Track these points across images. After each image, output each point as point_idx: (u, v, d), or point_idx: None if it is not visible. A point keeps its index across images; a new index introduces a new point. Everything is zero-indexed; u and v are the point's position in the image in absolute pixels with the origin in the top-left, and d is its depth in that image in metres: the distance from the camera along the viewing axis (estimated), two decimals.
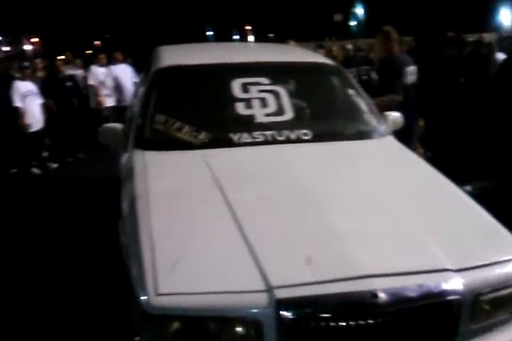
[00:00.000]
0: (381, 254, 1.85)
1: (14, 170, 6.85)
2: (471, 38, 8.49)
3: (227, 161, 2.67)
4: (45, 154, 7.29)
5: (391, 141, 3.02)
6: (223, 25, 30.89)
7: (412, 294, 1.70)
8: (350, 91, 3.25)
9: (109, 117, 8.15)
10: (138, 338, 1.77)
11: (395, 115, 3.30)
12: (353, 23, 31.20)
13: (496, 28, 18.78)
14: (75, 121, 7.42)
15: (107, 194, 5.45)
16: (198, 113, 3.04)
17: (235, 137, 2.81)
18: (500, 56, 6.54)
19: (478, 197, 2.39)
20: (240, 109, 2.95)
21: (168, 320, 1.71)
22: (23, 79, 6.63)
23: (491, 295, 1.82)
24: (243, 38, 25.97)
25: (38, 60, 7.73)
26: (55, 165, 7.17)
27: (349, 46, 8.50)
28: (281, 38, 12.56)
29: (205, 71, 3.20)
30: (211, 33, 35.08)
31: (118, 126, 3.23)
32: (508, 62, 4.59)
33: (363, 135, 3.01)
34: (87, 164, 7.33)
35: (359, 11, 30.60)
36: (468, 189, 3.47)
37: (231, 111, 2.97)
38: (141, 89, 3.43)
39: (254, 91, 3.01)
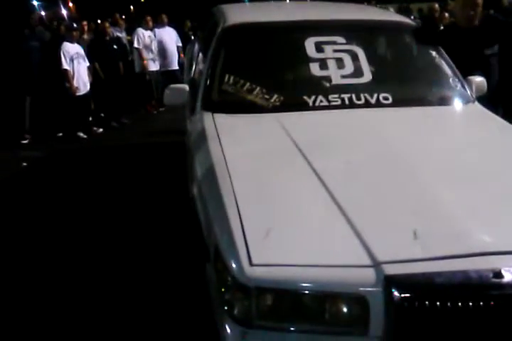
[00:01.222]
0: (498, 229, 1.68)
1: (60, 134, 6.82)
2: None
3: (303, 125, 2.51)
4: (90, 119, 7.24)
5: (477, 107, 2.80)
6: None
7: None
8: (432, 53, 3.00)
9: (152, 82, 8.03)
10: (227, 308, 1.67)
11: (479, 80, 3.05)
12: None
13: None
14: (119, 85, 7.31)
15: (153, 159, 5.45)
16: (270, 74, 2.87)
17: (310, 100, 2.65)
18: None
19: None
20: (315, 69, 2.77)
21: (262, 292, 1.59)
22: (71, 41, 6.50)
23: None
24: None
25: (84, 22, 7.57)
26: (100, 130, 7.11)
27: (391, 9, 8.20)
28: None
29: (277, 29, 3.00)
30: None
31: (186, 86, 3.08)
32: None
33: (448, 100, 2.82)
34: (131, 129, 7.27)
35: None
36: None
37: (305, 72, 2.79)
38: (205, 50, 3.25)
39: (329, 51, 2.82)
